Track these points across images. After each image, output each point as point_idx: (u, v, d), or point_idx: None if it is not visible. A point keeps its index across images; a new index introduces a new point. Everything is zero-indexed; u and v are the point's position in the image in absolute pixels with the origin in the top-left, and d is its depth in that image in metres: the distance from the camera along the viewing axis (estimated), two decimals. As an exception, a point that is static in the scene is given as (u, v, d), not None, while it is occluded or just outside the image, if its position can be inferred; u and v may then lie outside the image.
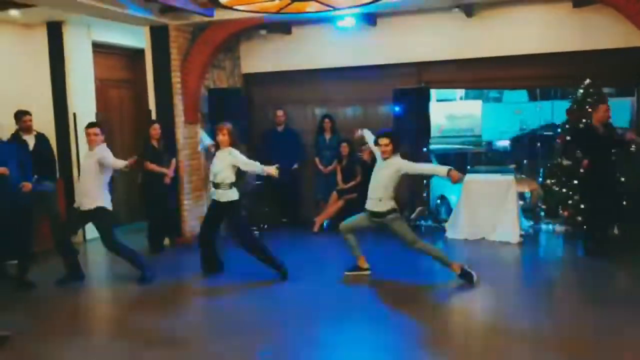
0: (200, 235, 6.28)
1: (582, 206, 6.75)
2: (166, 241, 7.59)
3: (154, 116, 7.66)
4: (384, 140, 5.71)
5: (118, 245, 6.03)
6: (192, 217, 7.86)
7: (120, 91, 9.10)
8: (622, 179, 6.76)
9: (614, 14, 6.70)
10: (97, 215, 5.92)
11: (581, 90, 7.21)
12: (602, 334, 4.38)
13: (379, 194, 5.71)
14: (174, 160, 7.41)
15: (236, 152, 5.88)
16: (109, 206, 5.99)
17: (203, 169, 8.12)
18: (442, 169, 5.52)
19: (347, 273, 6.06)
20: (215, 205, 6.04)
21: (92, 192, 5.88)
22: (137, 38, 8.07)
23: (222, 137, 5.89)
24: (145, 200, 7.46)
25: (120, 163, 5.94)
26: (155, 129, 7.18)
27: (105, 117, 8.21)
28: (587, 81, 7.17)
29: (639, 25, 6.24)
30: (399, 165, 5.69)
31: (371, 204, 5.79)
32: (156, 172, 7.16)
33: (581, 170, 6.47)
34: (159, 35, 7.57)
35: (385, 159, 5.76)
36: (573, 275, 6.17)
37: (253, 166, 5.87)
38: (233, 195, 5.93)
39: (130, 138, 9.05)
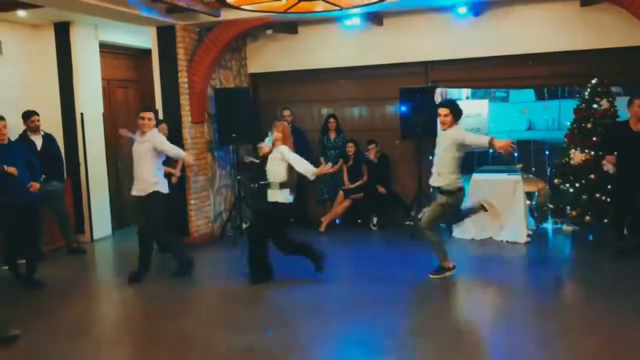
0: (249, 240, 5.96)
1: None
2: (173, 241, 7.59)
3: (161, 116, 7.68)
4: (443, 110, 5.54)
5: (164, 234, 6.17)
6: (199, 216, 7.88)
7: (126, 91, 9.14)
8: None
9: (622, 12, 6.67)
10: (150, 199, 5.93)
11: (588, 89, 7.17)
12: (605, 332, 4.36)
13: (438, 168, 5.62)
14: (181, 160, 7.41)
15: (286, 150, 5.71)
16: (165, 190, 6.07)
17: (210, 169, 8.14)
18: (484, 140, 5.43)
19: (432, 276, 5.83)
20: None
21: (148, 177, 5.93)
22: (143, 38, 8.09)
23: (277, 134, 5.74)
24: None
25: (183, 154, 6.13)
26: (163, 129, 7.18)
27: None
28: (595, 80, 7.12)
29: (647, 24, 6.22)
30: (454, 135, 5.47)
31: (432, 179, 5.77)
32: (164, 172, 7.16)
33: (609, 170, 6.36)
34: (165, 36, 7.59)
35: (444, 129, 5.59)
36: (580, 274, 6.14)
37: (304, 166, 5.69)
38: (280, 196, 5.70)
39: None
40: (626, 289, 5.44)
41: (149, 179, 5.93)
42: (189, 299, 5.72)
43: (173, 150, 6.09)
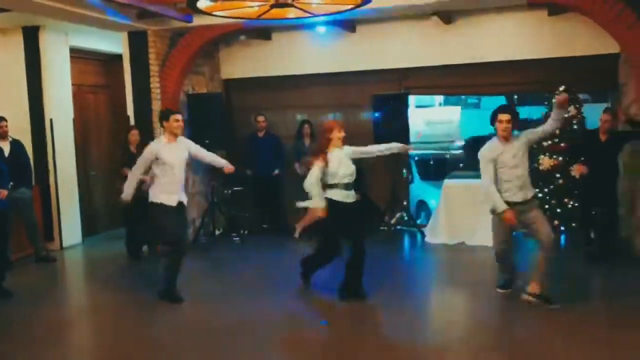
0: (334, 251, 5.46)
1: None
2: (144, 248, 7.50)
3: (132, 122, 7.59)
4: (505, 117, 4.93)
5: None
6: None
7: (97, 96, 9.01)
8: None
9: (588, 21, 6.83)
10: (184, 209, 5.54)
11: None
12: (576, 334, 4.45)
13: (522, 181, 4.93)
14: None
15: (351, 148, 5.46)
16: None
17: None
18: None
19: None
20: (346, 210, 5.32)
21: (183, 184, 5.50)
22: (114, 43, 8.01)
23: (339, 134, 5.36)
24: (124, 207, 7.36)
25: (221, 161, 5.71)
26: (134, 135, 7.12)
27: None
28: (562, 87, 7.27)
29: (612, 33, 6.39)
30: (523, 139, 4.98)
31: (518, 195, 4.91)
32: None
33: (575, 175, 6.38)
34: (137, 41, 7.53)
35: (504, 138, 4.94)
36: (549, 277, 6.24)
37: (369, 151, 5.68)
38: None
39: (107, 144, 8.96)
40: (594, 292, 5.56)
41: (182, 186, 5.50)
42: (162, 306, 5.65)
43: (216, 159, 5.78)
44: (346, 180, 5.33)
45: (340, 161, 5.34)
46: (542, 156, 7.24)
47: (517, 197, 4.93)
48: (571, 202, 7.10)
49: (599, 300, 5.53)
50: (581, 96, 8.03)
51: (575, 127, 7.22)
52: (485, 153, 5.00)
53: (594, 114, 9.14)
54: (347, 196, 5.35)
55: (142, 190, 6.91)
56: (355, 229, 5.38)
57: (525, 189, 4.97)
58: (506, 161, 4.91)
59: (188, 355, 4.36)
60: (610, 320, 4.86)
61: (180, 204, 5.45)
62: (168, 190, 5.39)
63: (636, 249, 6.46)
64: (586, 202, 6.57)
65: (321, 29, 8.05)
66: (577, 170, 6.17)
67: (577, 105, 7.37)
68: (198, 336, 4.73)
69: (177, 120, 5.38)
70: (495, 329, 4.82)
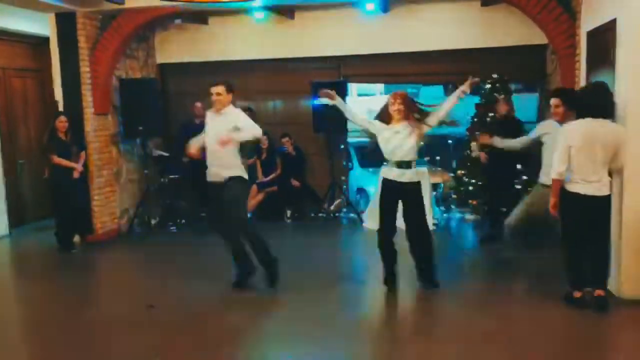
0: (386, 235, 5.20)
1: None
2: (76, 239, 7.25)
3: (60, 107, 7.29)
4: (555, 101, 4.92)
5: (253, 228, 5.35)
6: (104, 212, 7.56)
7: (24, 81, 8.59)
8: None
9: (518, 13, 7.04)
10: (233, 184, 5.14)
11: (488, 85, 7.53)
12: (501, 311, 4.63)
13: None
14: (83, 154, 7.09)
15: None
16: (245, 175, 5.31)
17: (115, 163, 7.82)
18: None
19: None
20: (397, 190, 4.99)
21: (230, 161, 5.16)
22: (43, 25, 7.63)
23: (399, 107, 4.88)
24: (53, 196, 7.10)
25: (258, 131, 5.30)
26: (62, 121, 6.83)
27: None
28: (494, 76, 7.49)
29: (540, 25, 6.61)
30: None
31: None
32: (64, 167, 6.83)
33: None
34: (65, 23, 7.20)
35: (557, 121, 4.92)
36: (477, 261, 6.45)
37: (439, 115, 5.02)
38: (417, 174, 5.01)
39: (35, 130, 8.57)
40: (514, 272, 5.79)
41: (231, 162, 5.17)
42: (96, 296, 5.51)
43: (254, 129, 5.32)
44: (397, 158, 4.96)
45: (390, 138, 4.98)
46: (473, 143, 7.43)
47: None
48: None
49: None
50: (514, 86, 8.32)
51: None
52: None
53: (527, 104, 9.50)
54: (400, 175, 4.99)
55: (68, 176, 6.68)
56: (408, 211, 5.07)
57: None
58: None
59: (123, 348, 4.25)
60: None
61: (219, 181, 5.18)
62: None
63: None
64: (491, 186, 6.89)
65: (259, 14, 7.95)
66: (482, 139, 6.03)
67: (508, 94, 7.57)
68: (134, 327, 4.62)
69: (211, 94, 5.24)
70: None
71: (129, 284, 5.85)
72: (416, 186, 5.03)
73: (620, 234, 4.75)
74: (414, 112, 4.97)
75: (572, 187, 4.45)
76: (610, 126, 4.47)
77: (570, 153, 4.42)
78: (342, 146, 8.59)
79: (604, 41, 5.21)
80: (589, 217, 4.45)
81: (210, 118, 5.40)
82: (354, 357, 4.05)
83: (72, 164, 6.88)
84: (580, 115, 4.48)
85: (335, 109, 5.28)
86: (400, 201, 5.07)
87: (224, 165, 5.18)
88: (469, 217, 7.95)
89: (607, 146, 4.39)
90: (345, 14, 8.06)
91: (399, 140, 4.93)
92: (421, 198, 5.08)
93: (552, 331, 4.29)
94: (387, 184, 5.06)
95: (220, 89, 5.23)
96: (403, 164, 4.95)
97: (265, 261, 5.28)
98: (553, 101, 4.97)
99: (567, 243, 4.61)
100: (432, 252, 5.20)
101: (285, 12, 7.98)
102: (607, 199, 4.50)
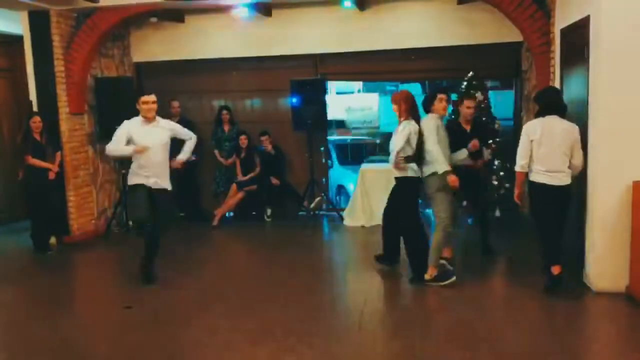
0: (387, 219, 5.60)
1: None
2: (52, 240, 7.14)
3: (35, 107, 7.16)
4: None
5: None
6: (81, 213, 7.45)
7: (-4, 81, 8.43)
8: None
9: (494, 11, 7.13)
10: (166, 193, 5.47)
11: (465, 83, 7.60)
12: (482, 302, 4.69)
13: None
14: (59, 154, 6.98)
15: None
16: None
17: (91, 163, 7.72)
18: None
19: None
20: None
21: (165, 170, 5.44)
22: (15, 24, 7.49)
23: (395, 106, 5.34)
24: (28, 197, 6.97)
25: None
26: (36, 122, 6.71)
27: None
28: (470, 73, 7.55)
29: (516, 22, 6.69)
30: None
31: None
32: (39, 167, 6.71)
33: None
34: (38, 21, 7.07)
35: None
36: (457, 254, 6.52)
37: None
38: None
39: (8, 131, 8.41)
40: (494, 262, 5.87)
41: (165, 171, 5.46)
42: (73, 298, 5.42)
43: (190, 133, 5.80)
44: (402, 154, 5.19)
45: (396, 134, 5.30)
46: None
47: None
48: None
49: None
50: (490, 83, 8.40)
51: (482, 112, 7.48)
52: None
53: (504, 101, 9.62)
54: (414, 171, 5.24)
55: (43, 177, 6.58)
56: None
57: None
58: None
59: (105, 350, 4.19)
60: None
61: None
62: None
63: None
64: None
65: (236, 12, 7.90)
66: (473, 145, 5.77)
67: (484, 92, 7.66)
68: (104, 328, 4.57)
69: (147, 103, 5.39)
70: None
71: (106, 285, 5.78)
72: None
73: (592, 228, 4.85)
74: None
75: (538, 178, 4.83)
76: (565, 123, 4.82)
77: (532, 147, 4.81)
78: (322, 147, 8.58)
79: (577, 38, 5.30)
80: (553, 204, 4.81)
81: (141, 127, 5.43)
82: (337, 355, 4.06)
83: (48, 165, 6.77)
84: (539, 114, 4.90)
85: None
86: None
87: (164, 175, 5.44)
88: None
89: (564, 139, 4.75)
90: (322, 11, 8.06)
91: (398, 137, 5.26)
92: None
93: (525, 323, 4.36)
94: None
95: (154, 97, 5.39)
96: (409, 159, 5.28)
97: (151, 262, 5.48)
98: None
99: (540, 227, 4.95)
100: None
101: (262, 9, 7.94)
102: (568, 188, 4.82)
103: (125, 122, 5.51)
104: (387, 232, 5.71)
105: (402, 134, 5.17)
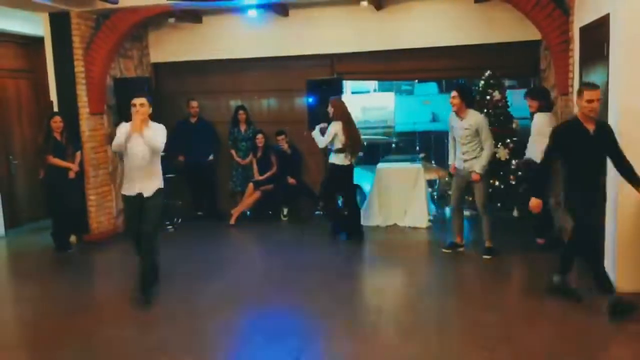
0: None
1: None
2: (72, 239, 7.24)
3: (55, 108, 7.27)
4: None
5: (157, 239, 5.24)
6: (100, 212, 7.55)
7: (17, 82, 8.54)
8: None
9: (512, 9, 7.08)
10: (158, 197, 5.13)
11: (482, 82, 7.56)
12: (500, 307, 4.66)
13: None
14: (79, 154, 7.08)
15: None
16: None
17: (111, 163, 7.81)
18: None
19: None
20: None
21: (150, 175, 5.08)
22: (35, 25, 7.61)
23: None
24: (49, 196, 7.08)
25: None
26: (57, 122, 6.82)
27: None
28: (488, 72, 7.52)
29: (533, 21, 6.64)
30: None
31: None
32: (60, 167, 6.82)
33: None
34: (59, 23, 7.18)
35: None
36: (471, 254, 6.49)
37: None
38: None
39: (29, 131, 8.54)
40: (516, 267, 5.82)
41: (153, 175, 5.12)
42: (93, 296, 5.50)
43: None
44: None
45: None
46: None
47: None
48: (496, 183, 7.35)
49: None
50: (508, 82, 8.35)
51: (499, 111, 7.45)
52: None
53: (521, 100, 9.54)
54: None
55: (63, 176, 6.66)
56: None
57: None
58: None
59: (131, 348, 4.25)
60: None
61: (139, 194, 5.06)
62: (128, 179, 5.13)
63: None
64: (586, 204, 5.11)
65: (253, 13, 7.96)
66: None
67: (501, 90, 7.62)
68: (124, 326, 4.63)
69: (134, 105, 4.98)
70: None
71: (125, 283, 5.84)
72: None
73: (616, 231, 4.81)
74: None
75: None
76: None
77: None
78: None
79: (597, 36, 5.25)
80: None
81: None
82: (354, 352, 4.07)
83: (68, 164, 6.87)
84: (549, 109, 5.97)
85: None
86: None
87: (149, 180, 5.10)
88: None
89: None
90: (338, 11, 8.07)
91: None
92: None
93: (543, 323, 4.34)
94: None
95: (143, 100, 5.03)
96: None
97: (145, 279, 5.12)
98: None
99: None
100: None
101: (279, 9, 7.98)
102: None
103: (123, 123, 5.29)
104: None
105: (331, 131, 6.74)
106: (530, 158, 6.04)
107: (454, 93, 5.92)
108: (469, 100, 5.96)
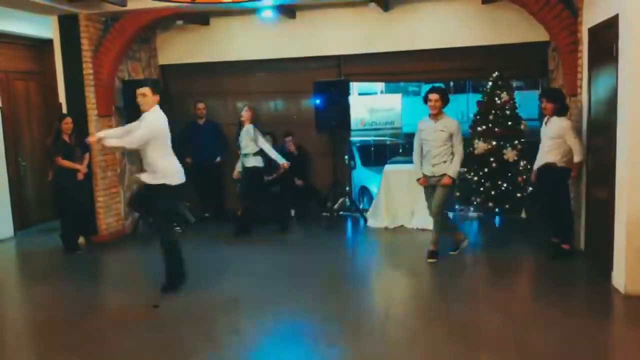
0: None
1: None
2: (81, 240, 7.28)
3: (64, 110, 7.32)
4: (433, 96, 5.96)
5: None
6: (109, 214, 7.58)
7: (27, 83, 8.62)
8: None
9: (520, 10, 7.06)
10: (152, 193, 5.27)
11: (490, 83, 7.53)
12: (511, 310, 4.65)
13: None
14: (87, 155, 7.12)
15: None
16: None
17: (119, 164, 7.85)
18: None
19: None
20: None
21: (148, 165, 5.25)
22: (44, 28, 7.67)
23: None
24: (58, 198, 7.12)
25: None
26: (67, 123, 6.86)
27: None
28: (496, 74, 7.49)
29: (542, 21, 6.62)
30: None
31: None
32: (69, 168, 6.86)
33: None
34: (68, 25, 7.23)
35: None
36: (483, 256, 6.47)
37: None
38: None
39: (38, 132, 8.61)
40: (522, 267, 5.79)
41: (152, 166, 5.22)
42: (102, 297, 5.52)
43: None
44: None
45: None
46: (476, 141, 7.44)
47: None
48: (504, 185, 7.32)
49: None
50: (516, 83, 8.31)
51: (507, 112, 7.42)
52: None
53: (528, 101, 9.52)
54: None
55: (72, 177, 6.69)
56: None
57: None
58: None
59: (136, 345, 4.27)
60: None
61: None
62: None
63: None
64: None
65: (268, 14, 7.96)
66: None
67: (510, 91, 7.58)
68: (132, 327, 4.65)
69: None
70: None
71: (133, 284, 5.88)
72: None
73: (621, 230, 4.78)
74: None
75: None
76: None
77: None
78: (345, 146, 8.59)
79: (606, 37, 5.22)
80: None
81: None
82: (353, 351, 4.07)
83: (77, 166, 6.91)
84: (564, 111, 5.91)
85: None
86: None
87: (149, 170, 5.23)
88: (472, 214, 7.96)
89: None
90: (345, 13, 8.08)
91: None
92: None
93: (552, 325, 4.31)
94: None
95: (145, 90, 5.15)
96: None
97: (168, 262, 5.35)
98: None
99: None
100: None
101: (286, 11, 7.99)
102: None
103: None
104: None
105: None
106: (549, 162, 5.91)
107: (435, 96, 5.85)
108: (447, 103, 5.98)
